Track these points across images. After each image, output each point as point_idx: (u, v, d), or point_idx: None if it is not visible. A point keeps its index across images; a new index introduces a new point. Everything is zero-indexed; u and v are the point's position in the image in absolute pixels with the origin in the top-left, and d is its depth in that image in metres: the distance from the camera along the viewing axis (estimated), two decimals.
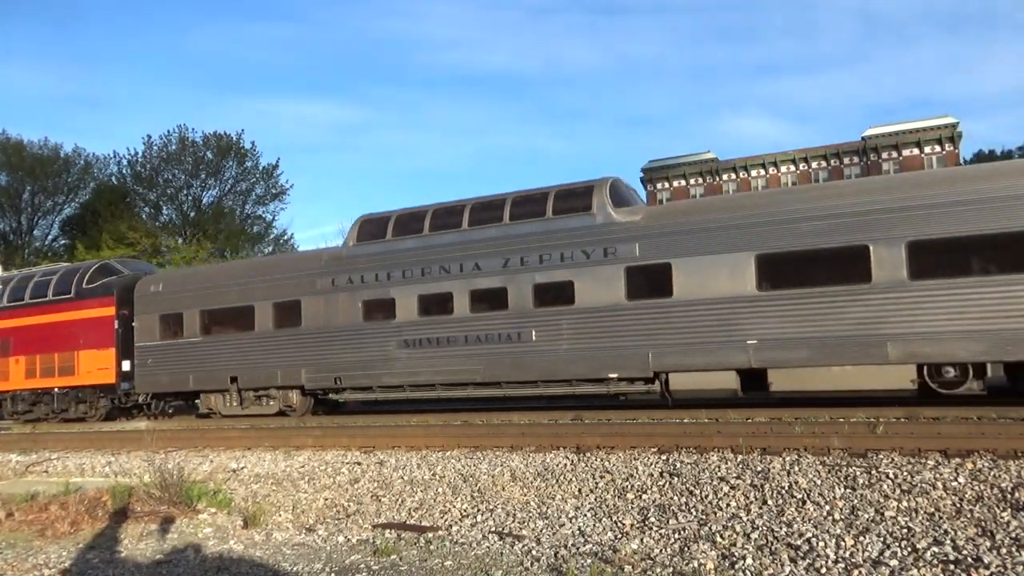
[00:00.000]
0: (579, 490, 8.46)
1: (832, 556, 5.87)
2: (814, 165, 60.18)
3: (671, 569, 5.98)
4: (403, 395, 15.83)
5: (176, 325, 18.54)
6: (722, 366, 12.82)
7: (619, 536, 6.93)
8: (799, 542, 6.23)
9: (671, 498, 7.83)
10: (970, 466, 7.60)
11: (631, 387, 13.78)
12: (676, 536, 6.73)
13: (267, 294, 17.32)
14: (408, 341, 15.48)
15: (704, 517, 7.16)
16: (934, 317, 11.44)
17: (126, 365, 19.41)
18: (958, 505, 6.74)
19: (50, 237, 56.96)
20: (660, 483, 8.30)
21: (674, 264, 13.27)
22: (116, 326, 19.53)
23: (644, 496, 8.00)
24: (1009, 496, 6.79)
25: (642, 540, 6.73)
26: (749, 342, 12.58)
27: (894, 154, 57.35)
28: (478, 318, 14.89)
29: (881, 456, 8.22)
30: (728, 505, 7.39)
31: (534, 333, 14.33)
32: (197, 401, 18.79)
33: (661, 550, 6.45)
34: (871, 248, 11.87)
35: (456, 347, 14.99)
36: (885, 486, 7.33)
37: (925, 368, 11.75)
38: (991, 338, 11.06)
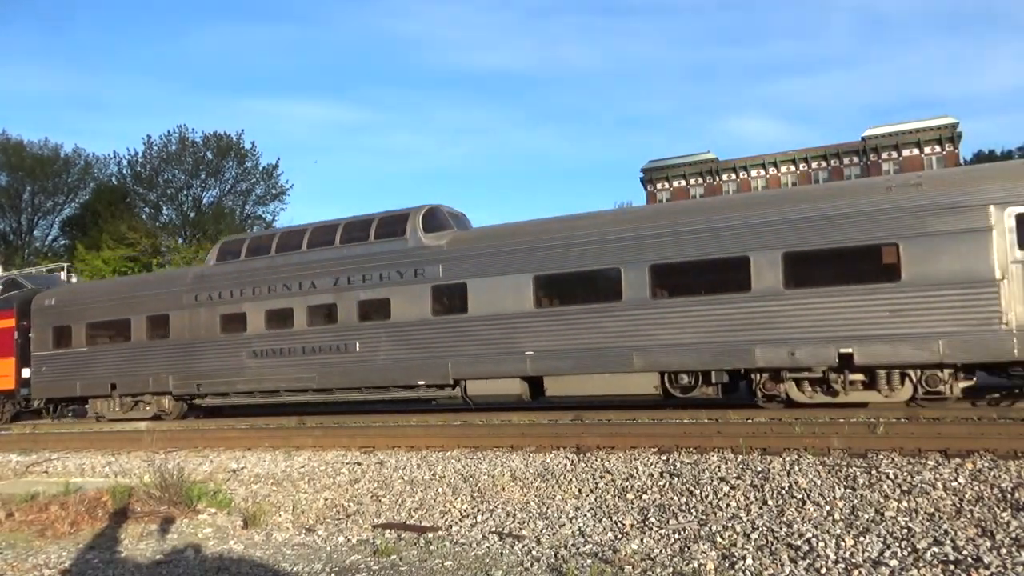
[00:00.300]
0: (579, 490, 8.46)
1: (832, 556, 5.87)
2: (814, 165, 60.21)
3: (671, 569, 5.98)
4: (254, 400, 17.53)
5: (66, 336, 19.98)
6: (507, 374, 14.39)
7: (619, 536, 6.93)
8: (799, 542, 6.23)
9: (671, 498, 7.83)
10: (970, 466, 7.60)
11: (438, 392, 15.31)
12: (676, 536, 6.73)
13: (142, 308, 18.94)
14: (257, 352, 17.11)
15: (704, 517, 7.16)
16: (670, 331, 13.11)
17: (26, 373, 20.69)
18: (958, 505, 6.74)
19: (50, 237, 56.99)
20: (660, 483, 8.30)
21: (469, 284, 14.87)
22: (16, 337, 20.82)
23: (644, 496, 8.01)
24: (1009, 496, 6.79)
25: (642, 540, 6.74)
26: (527, 353, 14.16)
27: (894, 154, 57.39)
28: (314, 331, 16.52)
29: (881, 456, 8.23)
30: (728, 505, 7.39)
31: (358, 344, 15.91)
32: (87, 406, 20.20)
33: (661, 550, 6.45)
34: (622, 270, 13.54)
35: (296, 357, 16.62)
36: (885, 486, 7.33)
37: (666, 375, 13.30)
38: (713, 349, 12.75)
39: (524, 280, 14.33)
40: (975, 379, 12.03)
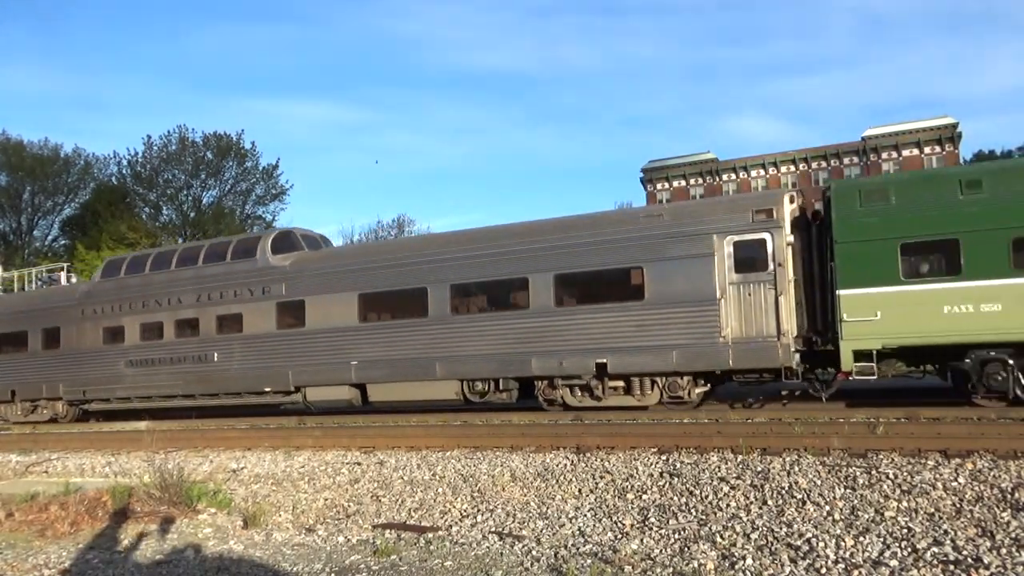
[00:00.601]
0: (579, 490, 8.46)
1: (832, 556, 5.87)
2: (814, 165, 60.23)
3: (671, 569, 5.98)
4: (132, 405, 19.28)
5: None
6: (337, 382, 16.11)
7: (619, 536, 6.93)
8: (799, 542, 6.23)
9: (671, 498, 7.83)
10: (970, 466, 7.60)
11: (284, 398, 17.11)
12: (676, 536, 6.73)
13: (37, 322, 20.75)
14: (133, 361, 18.93)
15: (704, 517, 7.16)
16: (467, 344, 14.81)
17: None
18: (958, 505, 6.74)
19: (50, 237, 56.95)
20: (660, 483, 8.30)
21: (307, 301, 16.67)
22: None
23: (644, 496, 8.01)
24: (1009, 496, 6.79)
25: (642, 540, 6.73)
26: (353, 363, 15.86)
27: (894, 154, 57.39)
28: (180, 343, 18.34)
29: (881, 456, 8.22)
30: (728, 505, 7.39)
31: (216, 355, 17.73)
32: None
33: (661, 550, 6.45)
34: (428, 289, 15.28)
35: (165, 366, 18.42)
36: (885, 486, 7.33)
37: (464, 382, 14.98)
38: (500, 359, 14.46)
39: (351, 298, 16.10)
40: (709, 385, 13.66)
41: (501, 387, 14.77)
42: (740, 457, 8.81)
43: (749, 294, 12.79)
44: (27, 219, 56.03)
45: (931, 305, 11.48)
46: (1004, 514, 6.40)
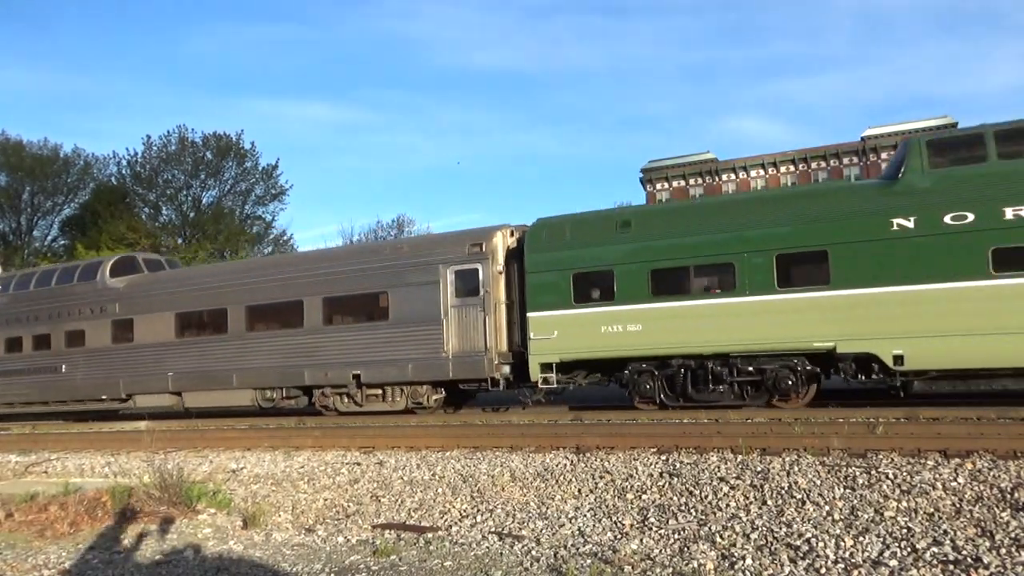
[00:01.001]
0: (579, 490, 8.46)
1: (832, 556, 5.87)
2: (813, 165, 60.20)
3: (671, 569, 5.98)
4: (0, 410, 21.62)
5: None
6: (158, 390, 18.53)
7: (619, 536, 6.93)
8: (799, 542, 6.23)
9: (671, 498, 7.83)
10: (970, 466, 7.60)
11: (121, 404, 19.56)
12: (676, 536, 6.73)
13: None
14: None
15: (704, 517, 7.16)
16: (258, 357, 17.18)
17: None
18: (958, 505, 6.74)
19: (50, 237, 56.78)
20: (660, 483, 8.30)
21: (135, 319, 19.09)
22: None
23: (644, 496, 8.01)
24: (1009, 496, 6.79)
25: (642, 540, 6.74)
26: (170, 374, 18.25)
27: (893, 154, 57.32)
28: (35, 355, 20.70)
29: (881, 456, 8.22)
30: (728, 505, 7.39)
31: (64, 367, 20.08)
32: None
33: (661, 550, 6.45)
34: (228, 310, 17.69)
35: (24, 376, 20.78)
36: (885, 486, 7.33)
37: (258, 391, 17.27)
38: (282, 371, 16.85)
39: (169, 316, 18.51)
40: (444, 393, 15.76)
41: (287, 395, 16.94)
42: (740, 457, 8.81)
43: (466, 316, 15.01)
44: (27, 219, 55.92)
45: (593, 325, 13.56)
46: (1004, 514, 6.40)
